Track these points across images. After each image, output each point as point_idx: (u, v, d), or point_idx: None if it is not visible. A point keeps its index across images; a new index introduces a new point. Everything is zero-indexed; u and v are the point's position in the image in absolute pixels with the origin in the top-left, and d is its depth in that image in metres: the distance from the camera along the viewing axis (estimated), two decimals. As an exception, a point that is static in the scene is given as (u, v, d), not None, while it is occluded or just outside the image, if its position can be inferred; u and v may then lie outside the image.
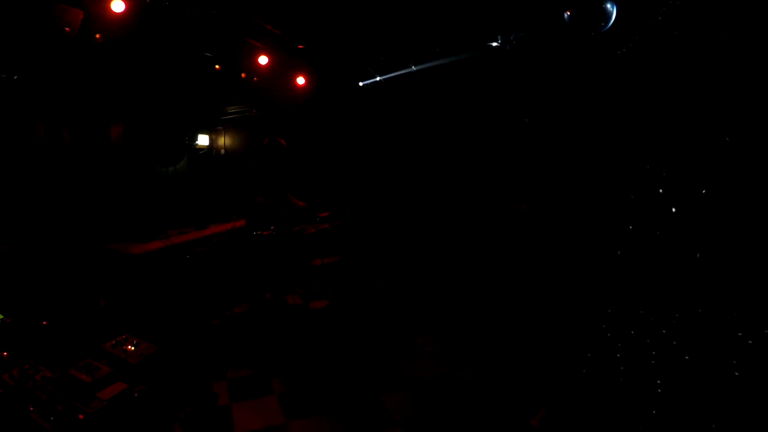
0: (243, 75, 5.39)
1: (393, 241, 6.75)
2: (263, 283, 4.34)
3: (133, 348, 2.42)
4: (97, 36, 3.87)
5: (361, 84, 6.59)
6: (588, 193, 4.17)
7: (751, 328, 2.65)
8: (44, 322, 2.69)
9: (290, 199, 4.34)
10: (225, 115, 6.95)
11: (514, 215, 5.15)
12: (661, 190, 3.20)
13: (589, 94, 4.35)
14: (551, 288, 4.28)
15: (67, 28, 3.52)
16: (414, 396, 3.11)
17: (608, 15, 3.23)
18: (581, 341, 3.44)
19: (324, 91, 6.60)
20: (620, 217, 3.56)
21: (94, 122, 5.28)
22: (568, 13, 3.34)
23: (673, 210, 3.12)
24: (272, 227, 4.11)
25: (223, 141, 7.11)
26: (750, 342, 2.62)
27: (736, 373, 2.59)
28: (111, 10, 3.70)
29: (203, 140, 6.78)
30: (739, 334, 2.67)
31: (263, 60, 5.25)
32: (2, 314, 2.59)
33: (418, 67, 5.73)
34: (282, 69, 5.63)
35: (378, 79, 6.37)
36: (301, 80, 6.05)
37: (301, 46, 5.47)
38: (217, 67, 5.10)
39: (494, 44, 4.73)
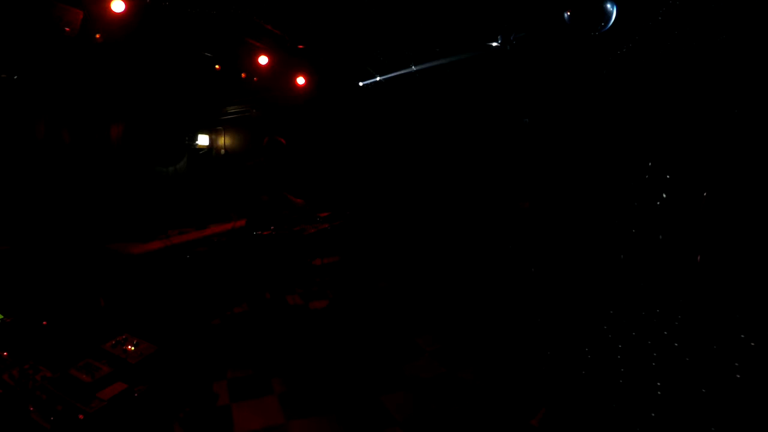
0: (243, 75, 5.39)
1: (393, 241, 6.75)
2: (263, 283, 4.34)
3: (133, 348, 2.42)
4: (97, 36, 3.87)
5: (361, 84, 6.59)
6: (588, 192, 4.17)
7: (753, 330, 2.64)
8: (44, 322, 2.69)
9: (288, 197, 4.35)
10: (225, 115, 6.95)
11: (516, 213, 5.14)
12: (661, 190, 3.19)
13: (589, 94, 4.35)
14: (552, 288, 4.28)
15: (67, 28, 3.52)
16: (414, 396, 3.11)
17: (608, 15, 3.23)
18: (582, 342, 3.44)
19: (324, 91, 6.60)
20: (622, 216, 3.56)
21: (94, 122, 5.28)
22: (568, 13, 3.34)
23: (674, 211, 3.11)
24: (272, 227, 4.11)
25: (223, 141, 7.11)
26: (752, 344, 2.61)
27: (738, 376, 2.58)
28: (111, 10, 3.70)
29: (203, 140, 6.78)
30: (742, 336, 2.66)
31: (263, 60, 5.25)
32: (2, 314, 2.59)
33: (418, 67, 5.73)
34: (282, 69, 5.63)
35: (378, 79, 6.37)
36: (301, 80, 6.05)
37: (301, 46, 5.47)
38: (217, 67, 5.10)
39: (494, 44, 4.73)
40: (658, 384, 2.80)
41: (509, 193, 5.41)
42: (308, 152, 7.06)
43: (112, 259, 4.14)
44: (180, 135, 6.38)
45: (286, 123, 7.00)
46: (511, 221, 5.24)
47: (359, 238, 6.65)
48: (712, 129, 3.11)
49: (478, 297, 4.95)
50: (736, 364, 2.62)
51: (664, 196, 3.12)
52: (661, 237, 3.18)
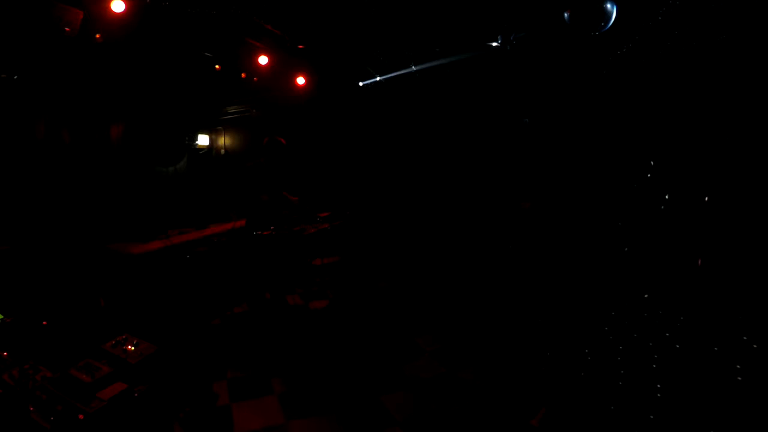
0: (243, 75, 5.39)
1: (393, 241, 6.75)
2: (263, 283, 4.34)
3: (133, 348, 2.42)
4: (97, 36, 3.87)
5: (361, 84, 6.59)
6: (589, 193, 4.17)
7: (756, 332, 2.63)
8: (44, 322, 2.69)
9: (285, 196, 4.35)
10: (225, 115, 6.95)
11: (517, 213, 5.14)
12: (664, 190, 3.19)
13: (589, 94, 4.34)
14: (553, 288, 4.28)
15: (67, 28, 3.51)
16: (414, 396, 3.11)
17: (608, 15, 3.23)
18: (583, 342, 3.44)
19: (324, 91, 6.60)
20: (623, 216, 3.56)
21: (94, 122, 5.28)
22: (568, 13, 3.34)
23: (676, 211, 3.11)
24: (272, 227, 4.11)
25: (223, 141, 7.11)
26: (755, 346, 2.60)
27: (739, 378, 2.57)
28: (111, 10, 3.70)
29: (203, 140, 6.79)
30: (744, 338, 2.65)
31: (263, 60, 5.25)
32: (2, 314, 2.59)
33: (418, 67, 5.73)
34: (282, 69, 5.63)
35: (378, 79, 6.37)
36: (301, 80, 6.05)
37: (301, 46, 5.47)
38: (217, 67, 5.10)
39: (494, 44, 4.73)
40: (658, 386, 2.79)
41: (509, 193, 5.41)
42: (308, 152, 7.06)
43: (112, 259, 4.14)
44: (180, 135, 6.38)
45: (286, 123, 7.00)
46: (512, 221, 5.24)
47: (359, 238, 6.65)
48: (712, 128, 3.10)
49: (479, 297, 4.95)
50: (738, 366, 2.61)
51: (667, 197, 3.12)
52: (663, 238, 3.17)
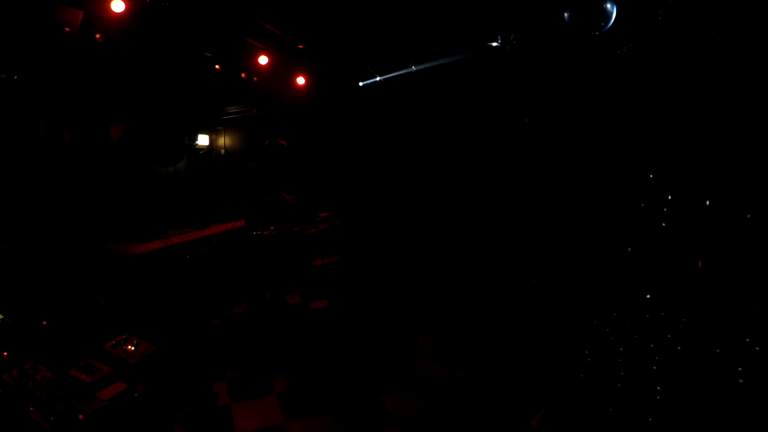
0: (243, 75, 5.39)
1: (393, 241, 6.75)
2: (263, 283, 4.34)
3: (133, 348, 2.42)
4: (97, 36, 3.87)
5: (361, 84, 6.59)
6: (589, 193, 4.17)
7: (759, 334, 2.62)
8: (44, 322, 2.69)
9: (283, 196, 4.36)
10: (225, 115, 6.95)
11: (517, 214, 5.14)
12: (665, 190, 3.19)
13: (589, 94, 4.34)
14: (554, 289, 4.28)
15: (67, 28, 3.51)
16: (414, 396, 3.12)
17: (608, 15, 3.23)
18: (583, 343, 3.43)
19: (324, 91, 6.60)
20: (625, 217, 3.55)
21: (94, 122, 5.29)
22: (568, 13, 3.34)
23: (679, 211, 3.10)
24: (272, 227, 4.11)
25: (223, 141, 7.11)
26: (757, 348, 2.59)
27: (741, 381, 2.56)
28: (111, 10, 3.70)
29: (203, 140, 6.78)
30: (747, 339, 2.64)
31: (263, 60, 5.25)
32: (2, 314, 2.59)
33: (418, 67, 5.73)
34: (282, 69, 5.63)
35: (378, 79, 6.37)
36: (301, 80, 6.05)
37: (301, 46, 5.47)
38: (217, 67, 5.10)
39: (494, 44, 4.73)
40: (658, 388, 2.79)
41: (509, 193, 5.41)
42: (308, 152, 7.06)
43: (112, 259, 4.14)
44: (180, 135, 6.38)
45: (286, 123, 7.00)
46: (512, 222, 5.24)
47: (359, 238, 6.65)
48: (712, 128, 3.10)
49: (479, 297, 4.95)
50: (740, 368, 2.60)
51: (670, 198, 3.11)
52: (665, 238, 3.17)
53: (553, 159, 4.80)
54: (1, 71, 4.14)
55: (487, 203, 5.73)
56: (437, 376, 3.40)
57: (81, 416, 1.90)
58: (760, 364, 2.57)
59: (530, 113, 5.17)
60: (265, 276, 4.28)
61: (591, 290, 3.69)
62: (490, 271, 5.36)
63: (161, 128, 6.08)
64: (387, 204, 6.98)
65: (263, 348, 3.81)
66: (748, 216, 2.77)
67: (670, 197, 3.14)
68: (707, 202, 2.94)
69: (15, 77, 4.26)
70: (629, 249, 3.34)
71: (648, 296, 3.16)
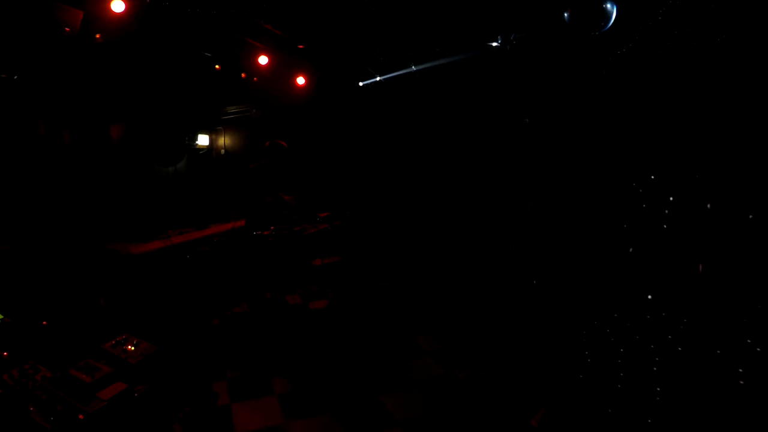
0: (243, 75, 5.39)
1: (393, 241, 6.75)
2: (263, 283, 4.34)
3: (133, 348, 2.42)
4: (97, 36, 3.87)
5: (361, 84, 6.59)
6: (590, 193, 4.17)
7: (760, 335, 2.61)
8: (44, 322, 2.69)
9: (281, 196, 4.36)
10: (225, 115, 6.95)
11: (517, 214, 5.13)
12: (667, 191, 3.18)
13: (589, 94, 4.34)
14: (554, 289, 4.28)
15: (67, 28, 3.51)
16: (414, 396, 3.12)
17: (608, 15, 3.23)
18: (583, 344, 3.43)
19: (324, 91, 6.60)
20: (626, 217, 3.55)
21: (94, 122, 5.29)
22: (568, 13, 3.34)
23: (680, 212, 3.10)
24: (272, 227, 4.11)
25: (223, 141, 7.11)
26: (758, 349, 2.58)
27: (741, 382, 2.56)
28: (111, 10, 3.70)
29: (203, 140, 6.78)
30: (748, 341, 2.64)
31: (263, 60, 5.25)
32: (2, 314, 2.59)
33: (418, 67, 5.73)
34: (282, 69, 5.63)
35: (378, 79, 6.37)
36: (301, 80, 6.05)
37: (301, 46, 5.47)
38: (217, 67, 5.10)
39: (494, 44, 4.73)
40: (658, 389, 2.78)
41: (509, 193, 5.41)
42: (308, 152, 7.06)
43: (112, 259, 4.15)
44: (180, 135, 6.38)
45: (286, 123, 7.00)
46: (512, 222, 5.24)
47: (359, 238, 6.65)
48: (714, 129, 3.10)
49: (479, 298, 4.95)
50: (740, 370, 2.59)
51: (671, 199, 3.11)
52: (667, 239, 3.16)
53: (554, 159, 4.80)
54: (1, 71, 4.14)
55: (486, 203, 5.73)
56: (437, 376, 3.39)
57: (81, 416, 1.90)
58: (761, 365, 2.56)
59: (530, 113, 5.17)
60: (265, 276, 4.28)
61: (592, 291, 3.69)
62: (491, 271, 5.36)
63: (161, 128, 6.08)
64: (387, 204, 6.98)
65: (263, 348, 3.81)
66: (750, 217, 2.76)
67: (671, 198, 3.13)
68: (708, 206, 2.93)
69: (15, 77, 4.26)
70: (631, 250, 3.33)
71: (649, 297, 3.16)
